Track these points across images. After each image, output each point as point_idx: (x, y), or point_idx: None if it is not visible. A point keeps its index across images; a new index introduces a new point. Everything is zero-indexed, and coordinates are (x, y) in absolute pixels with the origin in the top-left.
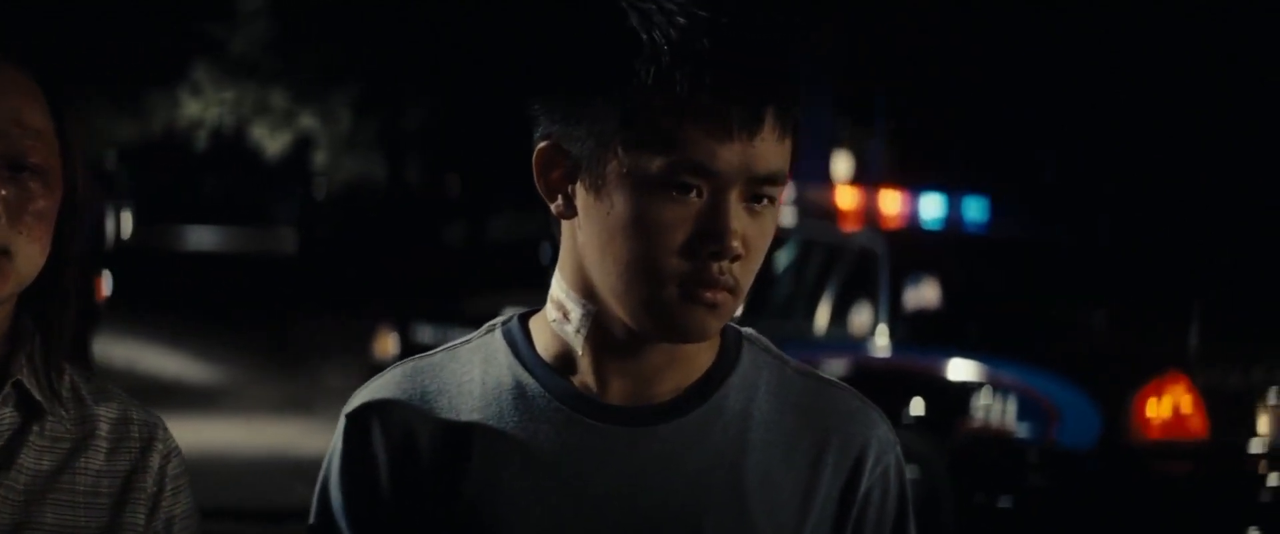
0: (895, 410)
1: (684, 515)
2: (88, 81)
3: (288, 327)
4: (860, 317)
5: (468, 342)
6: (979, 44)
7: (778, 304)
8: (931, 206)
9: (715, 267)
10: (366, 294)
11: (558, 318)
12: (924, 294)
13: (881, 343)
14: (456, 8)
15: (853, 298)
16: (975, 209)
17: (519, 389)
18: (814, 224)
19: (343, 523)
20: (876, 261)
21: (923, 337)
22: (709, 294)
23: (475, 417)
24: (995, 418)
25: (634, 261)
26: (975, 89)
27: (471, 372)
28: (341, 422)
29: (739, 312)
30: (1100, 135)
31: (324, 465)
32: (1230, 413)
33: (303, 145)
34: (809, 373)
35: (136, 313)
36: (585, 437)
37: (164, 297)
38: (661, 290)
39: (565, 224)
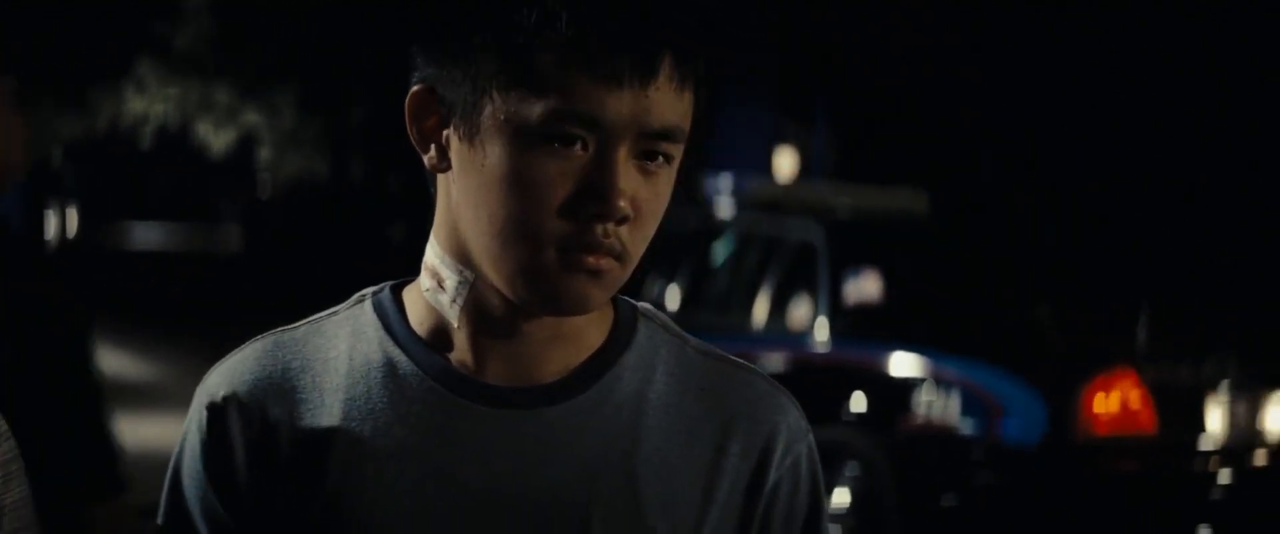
0: (835, 406)
1: (571, 508)
2: (33, 79)
3: (233, 324)
4: (799, 310)
5: (334, 313)
6: (923, 40)
7: (715, 297)
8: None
9: (599, 229)
10: (312, 291)
11: (432, 287)
12: (865, 287)
13: (821, 337)
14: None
15: (792, 291)
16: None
17: (389, 367)
18: (752, 216)
19: (197, 520)
20: (816, 254)
21: (863, 330)
22: (591, 260)
23: (340, 398)
24: (938, 414)
25: (509, 221)
26: (918, 86)
27: (337, 346)
28: (194, 405)
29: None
30: (1045, 134)
31: (175, 454)
32: (1180, 409)
33: (247, 142)
34: (712, 353)
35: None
36: (461, 421)
37: (110, 295)
38: (539, 254)
39: (440, 179)
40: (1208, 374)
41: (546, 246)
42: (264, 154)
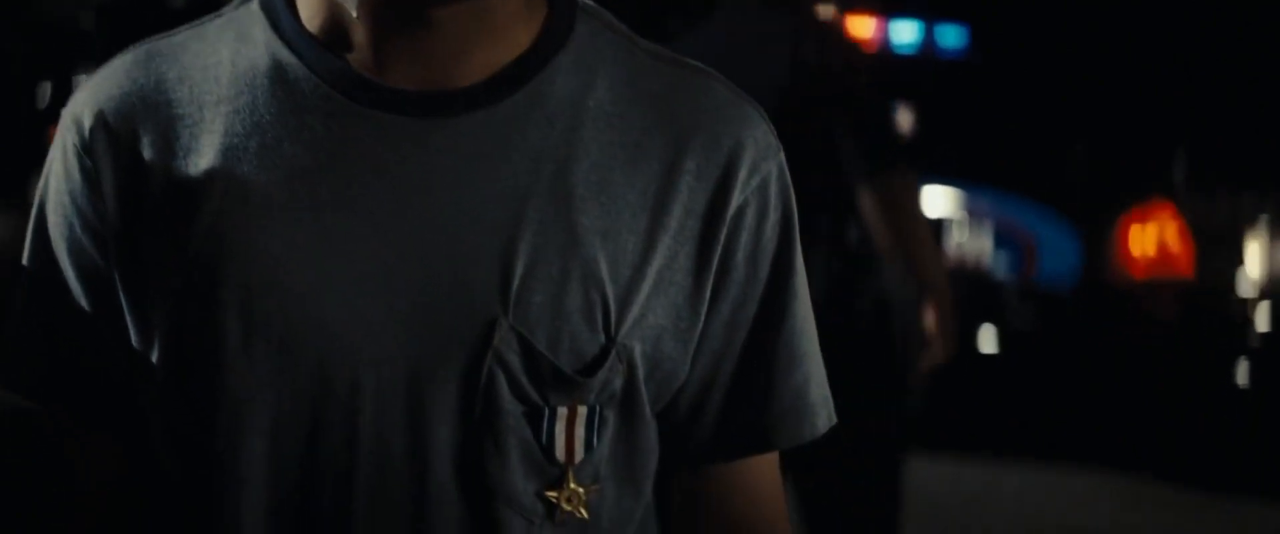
0: None
1: (493, 235)
2: None
3: None
4: None
5: (218, 15)
6: None
7: None
8: (904, 32)
9: None
10: None
11: None
12: (898, 121)
13: None
14: None
15: None
16: (952, 36)
17: (277, 71)
18: None
19: (64, 262)
20: None
21: None
22: None
23: (222, 112)
24: (970, 252)
25: None
26: None
27: (219, 52)
28: (58, 130)
29: None
30: None
31: (40, 189)
32: (1217, 248)
33: None
34: (665, 56)
35: None
36: (363, 133)
37: None
38: None
39: None
40: (1246, 209)
41: None
42: None
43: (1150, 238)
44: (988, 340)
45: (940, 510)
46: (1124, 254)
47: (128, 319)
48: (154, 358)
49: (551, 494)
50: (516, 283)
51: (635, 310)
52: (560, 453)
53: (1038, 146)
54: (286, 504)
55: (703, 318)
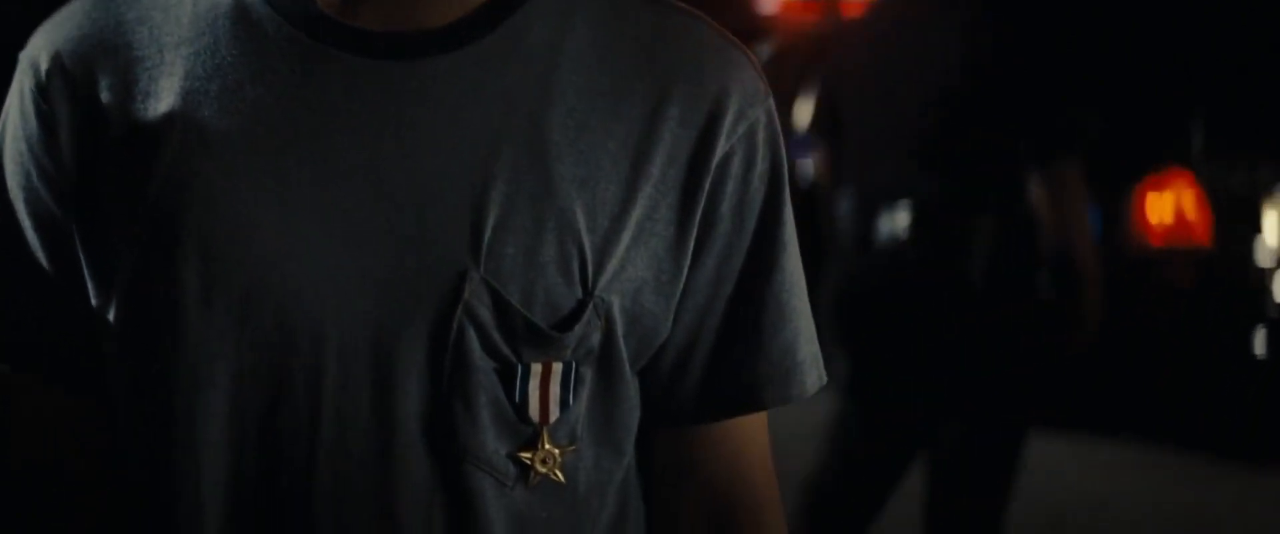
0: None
1: (464, 184)
2: None
3: None
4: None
5: None
6: None
7: None
8: None
9: None
10: None
11: None
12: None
13: None
14: None
15: None
16: None
17: (240, 12)
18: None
19: (20, 210)
20: None
21: None
22: None
23: (182, 53)
24: None
25: None
26: None
27: None
28: (16, 74)
29: None
30: None
31: None
32: (1235, 217)
33: None
34: None
35: None
36: (329, 76)
37: None
38: None
39: None
40: (1265, 176)
41: None
42: None
43: (1167, 206)
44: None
45: None
46: (1141, 223)
47: (86, 273)
48: (112, 314)
49: (525, 455)
50: (488, 233)
51: (614, 263)
52: (534, 412)
53: (1051, 111)
54: (247, 466)
55: (686, 271)
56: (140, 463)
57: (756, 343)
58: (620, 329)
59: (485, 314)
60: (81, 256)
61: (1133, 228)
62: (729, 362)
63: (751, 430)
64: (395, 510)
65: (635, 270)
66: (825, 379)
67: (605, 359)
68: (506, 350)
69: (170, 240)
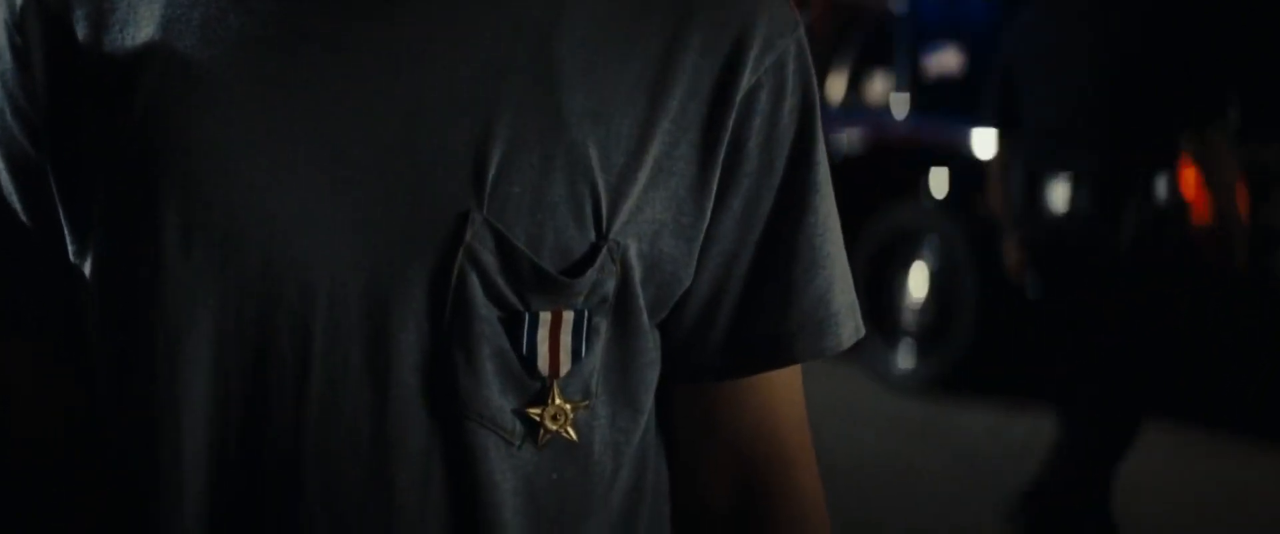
0: (913, 183)
1: (463, 114)
2: None
3: None
4: (877, 84)
5: None
6: None
7: None
8: None
9: None
10: None
11: None
12: (945, 59)
13: (900, 112)
14: None
15: (870, 63)
16: None
17: None
18: None
19: None
20: (896, 24)
21: (944, 105)
22: None
23: None
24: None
25: None
26: None
27: None
28: None
29: None
30: None
31: None
32: (1275, 193)
33: None
34: None
35: None
36: (319, 2)
37: None
38: None
39: None
40: None
41: None
42: None
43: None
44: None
45: (984, 460)
46: (1183, 198)
47: (62, 221)
48: (88, 264)
49: (533, 412)
50: (492, 171)
51: (630, 203)
52: (542, 364)
53: (1088, 86)
54: (232, 423)
55: (709, 214)
56: (119, 423)
57: (787, 291)
58: (637, 276)
59: (489, 258)
60: (57, 203)
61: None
62: (757, 312)
63: (782, 386)
64: (390, 472)
65: (653, 212)
66: (862, 331)
67: (621, 308)
68: (512, 297)
69: (148, 177)
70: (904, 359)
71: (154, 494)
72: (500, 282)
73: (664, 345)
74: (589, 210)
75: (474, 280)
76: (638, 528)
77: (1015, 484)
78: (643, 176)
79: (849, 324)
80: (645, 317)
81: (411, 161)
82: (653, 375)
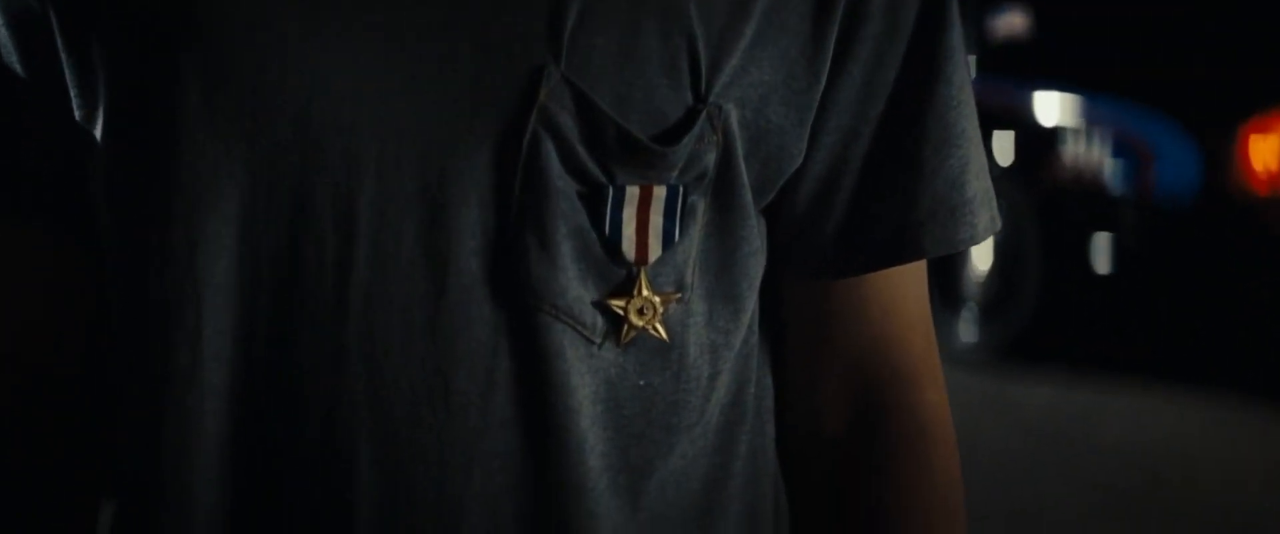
0: None
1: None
2: None
3: None
4: None
5: None
6: None
7: None
8: None
9: None
10: None
11: None
12: (1012, 22)
13: None
14: None
15: None
16: None
17: None
18: None
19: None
20: None
21: (1010, 68)
22: None
23: None
24: (1086, 163)
25: None
26: None
27: None
28: None
29: None
30: None
31: None
32: None
33: None
34: None
35: None
36: None
37: None
38: None
39: None
40: None
41: None
42: None
43: (1273, 150)
44: (1101, 257)
45: (1046, 432)
46: (1246, 167)
47: (67, 75)
48: (98, 126)
49: (616, 304)
50: (571, 19)
51: (733, 61)
52: (628, 248)
53: (1158, 54)
54: (260, 318)
55: (825, 80)
56: (130, 320)
57: (915, 173)
58: (741, 148)
59: (567, 122)
60: (61, 52)
61: (1236, 174)
62: (880, 196)
63: (907, 285)
64: (447, 373)
65: (760, 73)
66: (999, 223)
67: (722, 186)
68: (594, 169)
69: (167, 25)
70: (966, 332)
71: (168, 402)
72: (580, 150)
73: (771, 236)
74: (686, 68)
75: (549, 148)
76: (737, 449)
77: (1075, 453)
78: (749, 31)
79: (984, 214)
80: (749, 198)
81: (475, 8)
82: (757, 269)
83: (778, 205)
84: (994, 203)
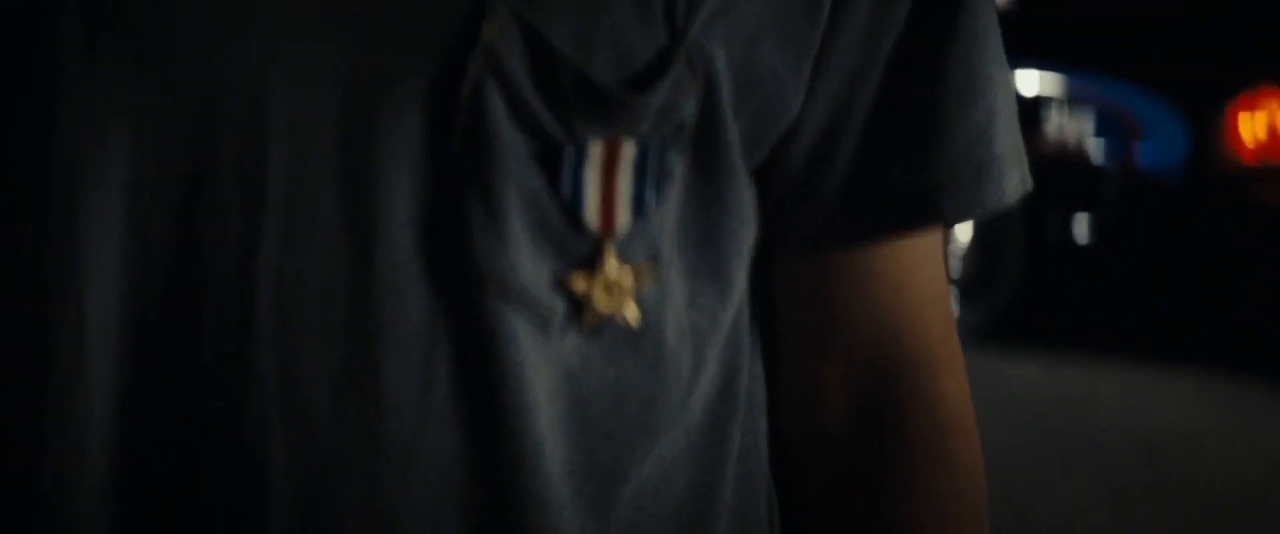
0: None
1: None
2: None
3: None
4: None
5: None
6: None
7: None
8: None
9: None
10: None
11: None
12: None
13: None
14: None
15: None
16: None
17: None
18: None
19: None
20: None
21: None
22: None
23: None
24: (1070, 136)
25: None
26: None
27: None
28: None
29: None
30: None
31: None
32: None
33: None
34: None
35: None
36: None
37: None
38: None
39: None
40: None
41: None
42: None
43: (1260, 123)
44: (1085, 231)
45: (1036, 412)
46: (1233, 140)
47: None
48: None
49: (578, 283)
50: None
51: None
52: (591, 216)
53: (1143, 28)
54: (151, 298)
55: (826, 18)
56: (4, 299)
57: (933, 126)
58: (727, 96)
59: (516, 65)
60: None
61: (1224, 145)
62: (891, 153)
63: (922, 257)
64: (376, 365)
65: (749, 6)
66: (1030, 184)
67: (704, 142)
68: (550, 121)
69: None
70: None
71: (48, 407)
72: (532, 99)
73: (764, 199)
74: (659, 1)
75: (495, 97)
76: (725, 451)
77: (1063, 435)
78: None
79: (1014, 173)
80: (737, 156)
81: None
82: (746, 239)
83: (772, 163)
84: (1025, 160)
